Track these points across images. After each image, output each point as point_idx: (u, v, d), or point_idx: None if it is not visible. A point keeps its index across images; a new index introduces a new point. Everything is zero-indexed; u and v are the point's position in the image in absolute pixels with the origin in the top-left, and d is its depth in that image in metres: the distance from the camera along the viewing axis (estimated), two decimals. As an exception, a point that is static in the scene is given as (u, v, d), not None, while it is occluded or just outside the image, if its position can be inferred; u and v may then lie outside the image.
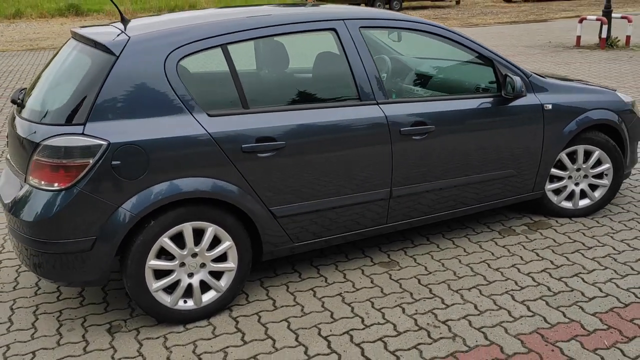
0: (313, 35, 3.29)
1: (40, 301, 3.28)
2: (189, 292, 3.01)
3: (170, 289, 2.97)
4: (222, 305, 3.09)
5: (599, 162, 4.08)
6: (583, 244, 3.77)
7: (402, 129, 3.29)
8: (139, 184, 2.75)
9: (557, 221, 4.12)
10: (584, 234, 3.92)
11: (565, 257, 3.61)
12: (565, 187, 4.11)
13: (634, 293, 3.19)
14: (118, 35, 2.92)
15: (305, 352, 2.78)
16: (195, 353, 2.80)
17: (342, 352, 2.77)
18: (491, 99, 3.60)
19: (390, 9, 26.79)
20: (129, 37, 2.88)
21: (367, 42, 3.34)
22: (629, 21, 12.70)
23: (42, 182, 2.74)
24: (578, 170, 4.08)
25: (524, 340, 2.81)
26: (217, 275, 3.06)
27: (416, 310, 3.10)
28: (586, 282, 3.31)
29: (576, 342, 2.79)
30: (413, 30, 3.50)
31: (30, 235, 2.76)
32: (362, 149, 3.22)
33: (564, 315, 3.00)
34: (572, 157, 4.03)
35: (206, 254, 2.98)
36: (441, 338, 2.85)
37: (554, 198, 4.11)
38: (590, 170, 4.09)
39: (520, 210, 4.29)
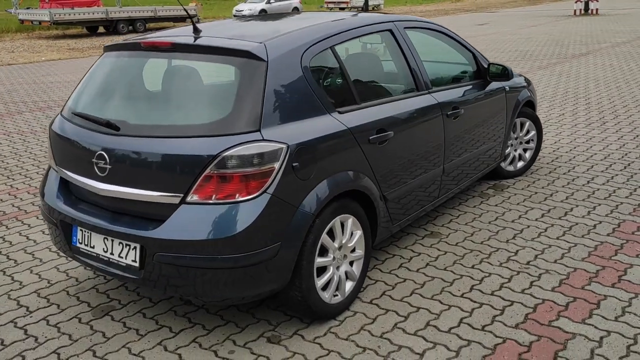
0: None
1: (160, 337, 2.98)
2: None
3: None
4: (355, 293, 3.23)
5: (527, 131, 5.14)
6: (544, 194, 4.76)
7: (447, 113, 3.82)
8: (310, 183, 2.79)
9: (507, 182, 5.07)
10: (536, 186, 4.93)
11: (549, 204, 4.53)
12: (509, 153, 5.08)
13: (637, 215, 4.22)
14: (247, 41, 2.88)
15: (462, 310, 3.14)
16: (377, 336, 2.93)
17: (488, 302, 3.20)
18: (482, 84, 4.34)
19: (134, 30, 26.13)
20: (261, 42, 2.87)
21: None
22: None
23: (215, 197, 2.60)
24: (516, 138, 5.08)
25: (620, 259, 3.59)
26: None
27: (507, 258, 3.66)
28: (594, 214, 4.26)
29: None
30: (429, 30, 4.05)
31: (211, 254, 2.59)
32: (431, 131, 3.67)
33: (619, 238, 3.86)
34: (512, 129, 5.02)
35: (348, 245, 3.11)
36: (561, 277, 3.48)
37: (501, 163, 5.05)
38: (524, 138, 5.13)
39: (476, 179, 5.14)
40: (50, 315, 3.25)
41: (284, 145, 2.67)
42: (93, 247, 2.94)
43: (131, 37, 3.38)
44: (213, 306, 3.25)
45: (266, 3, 30.89)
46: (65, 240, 3.08)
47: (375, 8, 38.81)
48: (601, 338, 2.84)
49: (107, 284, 3.57)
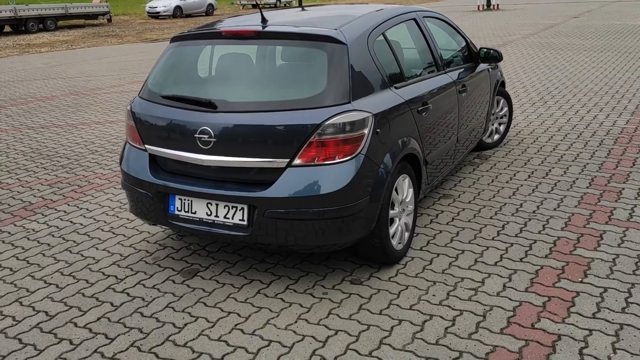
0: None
1: (256, 288, 3.41)
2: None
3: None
4: (410, 243, 3.81)
5: (502, 107, 5.94)
6: (523, 160, 5.55)
7: (459, 89, 4.48)
8: (386, 146, 3.34)
9: (487, 152, 5.84)
10: (513, 155, 5.72)
11: (530, 167, 5.32)
12: (488, 127, 5.84)
13: (604, 172, 5.08)
14: (324, 28, 3.37)
15: (498, 249, 3.80)
16: (440, 272, 3.53)
17: (516, 242, 3.89)
18: (474, 66, 5.04)
19: (45, 29, 25.17)
20: (337, 29, 3.37)
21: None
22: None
23: (317, 159, 3.09)
24: (493, 114, 5.86)
25: (604, 204, 4.39)
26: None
27: (516, 209, 4.37)
28: (570, 173, 5.08)
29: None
30: (436, 18, 4.69)
31: (318, 207, 3.07)
32: (451, 104, 4.31)
33: (597, 190, 4.68)
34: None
35: (406, 201, 3.69)
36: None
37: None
38: (499, 113, 5.92)
39: (461, 151, 5.86)
40: (143, 280, 3.59)
41: (369, 114, 3.20)
42: (195, 213, 3.33)
43: (194, 28, 3.76)
44: (290, 261, 3.72)
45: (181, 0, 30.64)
46: (162, 209, 3.44)
47: (288, 5, 39.36)
48: (614, 259, 3.60)
49: (179, 252, 3.93)
